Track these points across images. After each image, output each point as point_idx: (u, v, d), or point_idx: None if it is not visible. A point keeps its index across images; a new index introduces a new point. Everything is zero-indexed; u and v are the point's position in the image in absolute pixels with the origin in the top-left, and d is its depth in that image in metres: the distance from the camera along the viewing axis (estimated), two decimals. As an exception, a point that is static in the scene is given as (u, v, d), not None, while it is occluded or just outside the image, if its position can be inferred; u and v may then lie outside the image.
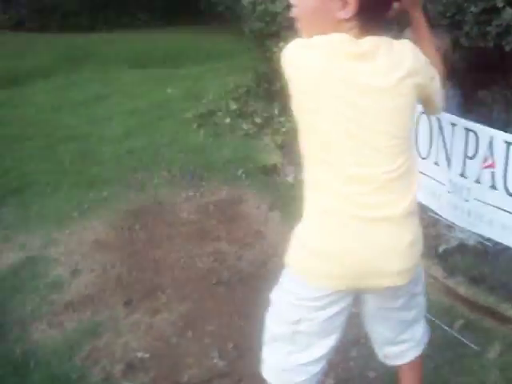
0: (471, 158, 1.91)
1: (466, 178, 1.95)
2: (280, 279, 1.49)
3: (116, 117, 5.07)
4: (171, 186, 3.74)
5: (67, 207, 3.47)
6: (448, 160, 2.01)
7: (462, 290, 2.42)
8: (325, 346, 1.47)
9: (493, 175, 1.85)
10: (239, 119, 4.68)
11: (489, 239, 2.13)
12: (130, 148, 4.31)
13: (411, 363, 1.68)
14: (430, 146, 2.05)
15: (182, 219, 3.35)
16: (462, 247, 2.62)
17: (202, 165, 3.96)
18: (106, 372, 2.18)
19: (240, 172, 3.80)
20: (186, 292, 2.66)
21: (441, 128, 1.99)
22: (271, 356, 1.53)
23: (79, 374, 2.17)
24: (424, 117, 2.02)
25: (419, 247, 1.44)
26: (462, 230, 2.39)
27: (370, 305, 1.54)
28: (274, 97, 4.70)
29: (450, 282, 2.48)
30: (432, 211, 2.15)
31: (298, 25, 1.43)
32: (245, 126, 4.51)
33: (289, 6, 1.45)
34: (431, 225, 2.63)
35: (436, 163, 2.06)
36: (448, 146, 2.00)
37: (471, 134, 1.88)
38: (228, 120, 4.69)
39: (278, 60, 1.38)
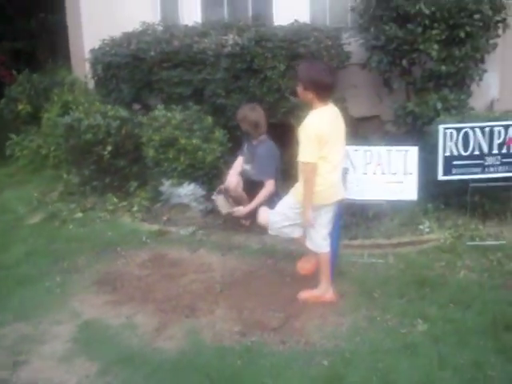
0: (369, 164, 4.09)
1: (366, 174, 4.12)
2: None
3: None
4: (101, 260, 4.77)
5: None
6: (354, 168, 4.14)
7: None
8: None
9: (382, 168, 4.07)
10: (88, 212, 5.77)
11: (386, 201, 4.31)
12: (26, 252, 5.00)
13: None
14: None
15: (147, 271, 4.54)
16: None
17: (104, 243, 5.04)
18: None
19: (144, 238, 5.09)
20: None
21: (348, 155, 4.12)
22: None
23: None
24: (340, 150, 4.12)
25: None
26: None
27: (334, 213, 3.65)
28: (104, 189, 5.98)
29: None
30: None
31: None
32: (101, 215, 5.67)
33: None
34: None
35: (346, 172, 4.17)
36: (353, 161, 4.13)
37: (368, 152, 4.07)
38: (79, 214, 5.73)
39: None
